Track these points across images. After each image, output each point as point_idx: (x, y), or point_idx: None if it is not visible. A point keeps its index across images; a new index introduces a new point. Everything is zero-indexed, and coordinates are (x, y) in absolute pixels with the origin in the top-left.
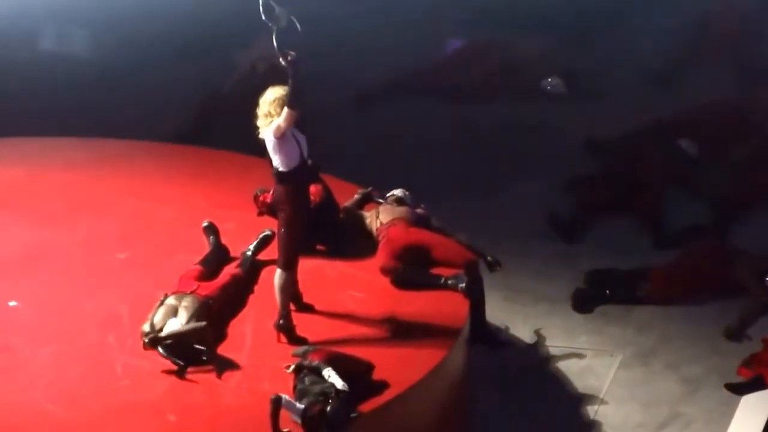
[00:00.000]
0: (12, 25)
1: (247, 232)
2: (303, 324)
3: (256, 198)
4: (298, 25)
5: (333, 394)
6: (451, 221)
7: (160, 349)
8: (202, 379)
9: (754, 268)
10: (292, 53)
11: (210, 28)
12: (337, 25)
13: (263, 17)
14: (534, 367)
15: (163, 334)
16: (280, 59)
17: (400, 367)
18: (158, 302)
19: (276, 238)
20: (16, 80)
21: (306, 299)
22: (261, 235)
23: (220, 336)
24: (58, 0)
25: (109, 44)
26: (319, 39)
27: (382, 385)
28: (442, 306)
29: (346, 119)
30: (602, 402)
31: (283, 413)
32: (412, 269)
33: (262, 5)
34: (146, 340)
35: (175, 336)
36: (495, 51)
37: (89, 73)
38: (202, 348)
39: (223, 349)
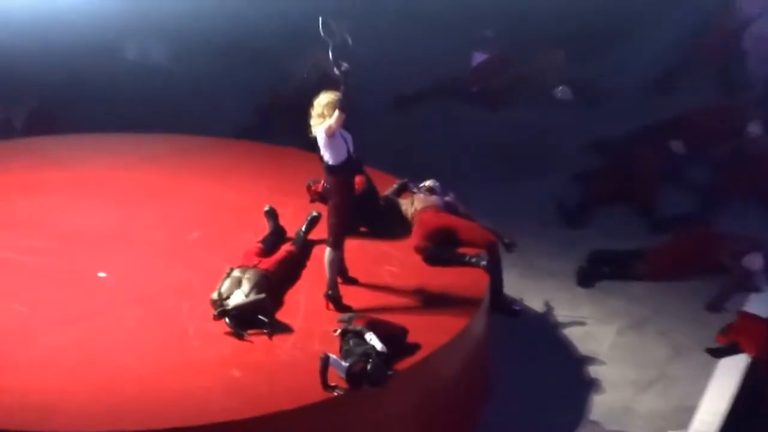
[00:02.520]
0: (100, 37)
1: (302, 216)
2: (348, 294)
3: (308, 187)
4: (350, 40)
5: (373, 355)
6: (474, 208)
7: (227, 320)
8: (262, 340)
9: (733, 250)
10: (345, 64)
11: (271, 41)
12: (378, 40)
13: (321, 33)
14: (544, 333)
15: (229, 305)
16: (335, 69)
17: (430, 332)
18: (225, 274)
19: (325, 220)
20: (105, 85)
21: (351, 273)
22: (309, 217)
23: (278, 304)
24: (138, 16)
25: (184, 54)
26: (364, 51)
27: (415, 347)
28: (467, 280)
29: (385, 120)
30: (601, 363)
31: (331, 370)
32: (441, 249)
33: (322, 24)
34: (216, 313)
35: (240, 308)
36: (513, 63)
37: (168, 79)
38: (263, 318)
39: (280, 315)
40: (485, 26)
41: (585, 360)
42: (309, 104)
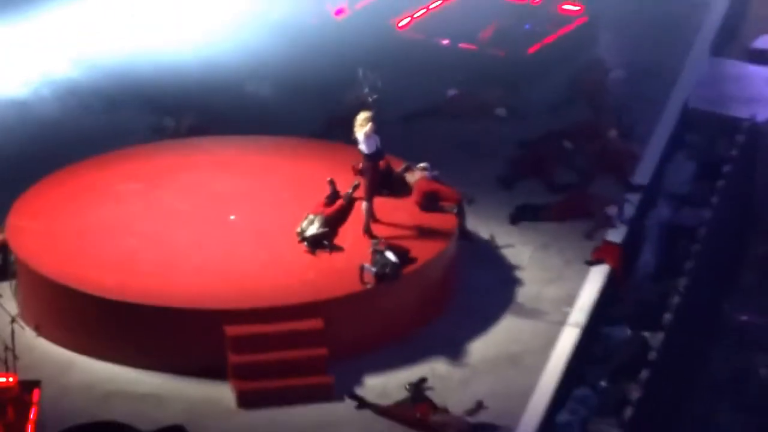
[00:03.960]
0: (233, 76)
1: (349, 183)
2: (376, 229)
3: (353, 167)
4: (379, 82)
5: (390, 264)
6: (450, 179)
7: (306, 243)
8: (325, 255)
9: (599, 204)
10: (375, 95)
11: (332, 80)
12: (393, 81)
13: (360, 77)
14: (488, 251)
15: (306, 235)
16: (368, 98)
17: (423, 250)
18: (304, 217)
19: (363, 186)
20: (235, 107)
21: (377, 217)
22: (353, 185)
23: (335, 234)
24: (253, 62)
25: (279, 88)
26: (385, 87)
27: (414, 260)
28: (445, 220)
29: (397, 128)
30: (522, 269)
31: (366, 273)
32: (429, 202)
33: (361, 73)
34: (299, 238)
35: (313, 236)
36: (473, 95)
37: (269, 103)
38: (327, 243)
39: (336, 241)
40: (456, 73)
41: (513, 267)
42: (353, 119)
